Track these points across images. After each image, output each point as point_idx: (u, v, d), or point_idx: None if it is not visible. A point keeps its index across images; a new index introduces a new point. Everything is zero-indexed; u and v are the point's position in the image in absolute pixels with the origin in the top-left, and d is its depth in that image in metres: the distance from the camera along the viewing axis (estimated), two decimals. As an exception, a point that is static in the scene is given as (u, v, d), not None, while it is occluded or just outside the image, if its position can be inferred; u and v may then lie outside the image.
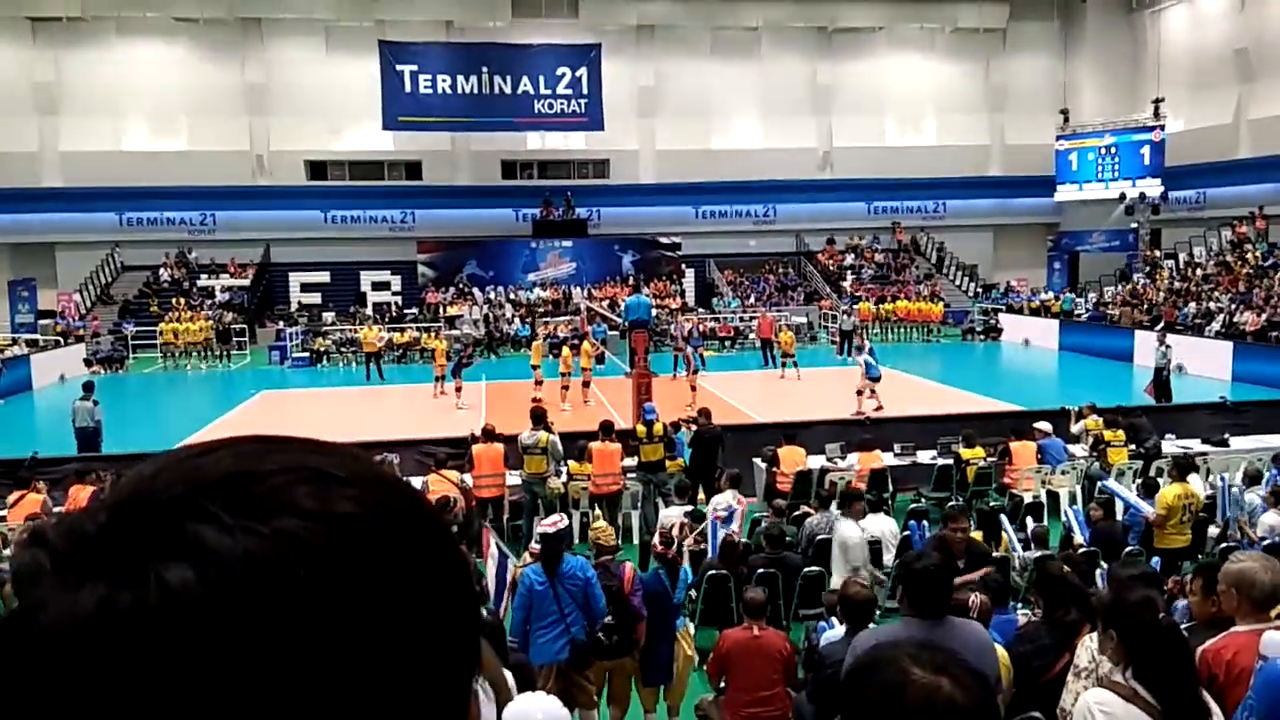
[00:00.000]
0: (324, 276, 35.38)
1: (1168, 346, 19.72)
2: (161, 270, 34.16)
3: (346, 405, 22.22)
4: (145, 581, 0.48)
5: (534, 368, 20.84)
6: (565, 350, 21.27)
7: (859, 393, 17.96)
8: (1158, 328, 25.83)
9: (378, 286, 35.60)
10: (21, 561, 0.52)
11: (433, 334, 27.76)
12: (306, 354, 29.15)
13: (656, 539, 7.09)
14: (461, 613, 0.58)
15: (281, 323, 32.03)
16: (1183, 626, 4.63)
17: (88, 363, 27.18)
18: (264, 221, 35.00)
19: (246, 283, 34.15)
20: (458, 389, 20.81)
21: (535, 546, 6.76)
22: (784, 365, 23.21)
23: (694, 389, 19.33)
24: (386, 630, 0.52)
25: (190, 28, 34.53)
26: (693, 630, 8.05)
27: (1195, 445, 12.84)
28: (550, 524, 6.35)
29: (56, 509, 10.56)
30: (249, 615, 0.48)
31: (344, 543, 0.52)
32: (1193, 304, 26.91)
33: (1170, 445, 12.90)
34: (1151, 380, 18.95)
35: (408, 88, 34.06)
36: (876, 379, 18.07)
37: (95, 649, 0.47)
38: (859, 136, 38.09)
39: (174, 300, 31.96)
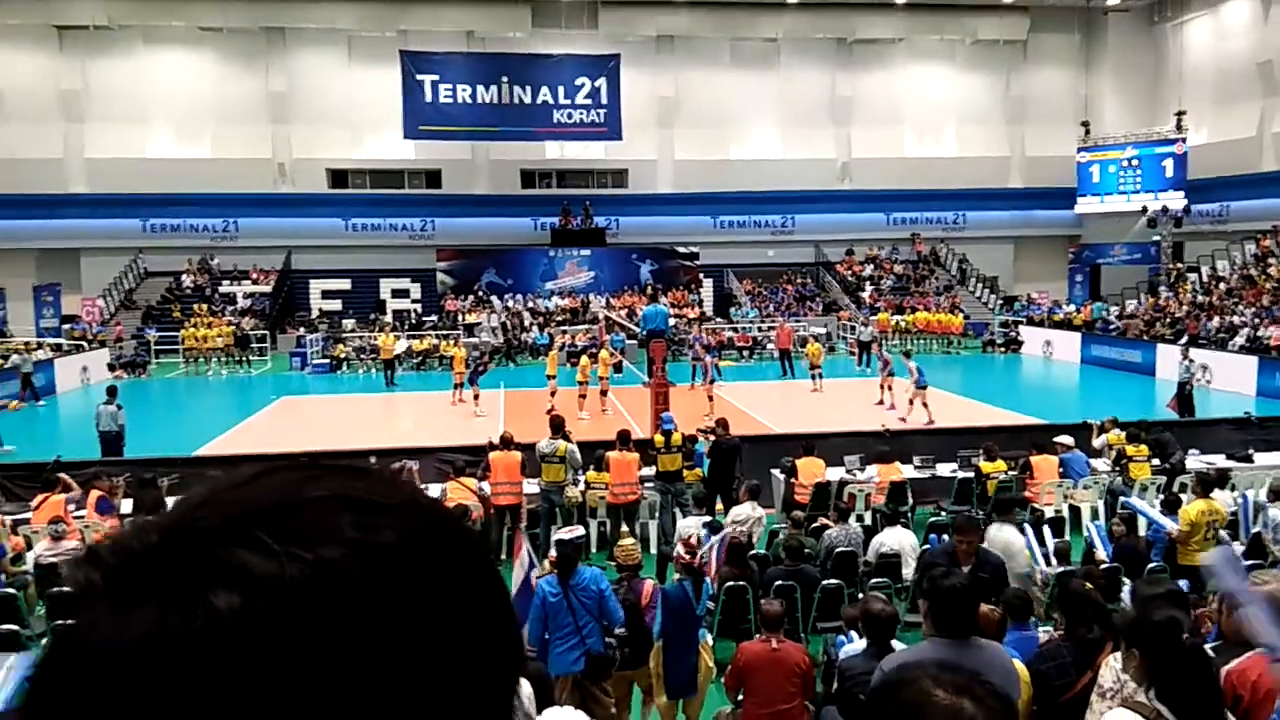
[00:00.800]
0: (345, 284, 35.63)
1: (1191, 360, 19.57)
2: (184, 276, 34.48)
3: (366, 411, 22.34)
4: (193, 607, 0.49)
5: (549, 377, 20.86)
6: (584, 359, 21.34)
7: (910, 401, 18.54)
8: (1181, 341, 25.64)
9: (397, 294, 35.82)
10: (76, 579, 0.53)
11: (452, 341, 27.89)
12: (326, 360, 29.34)
13: (681, 549, 7.07)
14: (501, 637, 0.59)
15: (302, 329, 32.25)
16: (1209, 645, 4.59)
17: (111, 367, 27.46)
18: (285, 229, 35.32)
19: (268, 289, 34.44)
20: (475, 396, 20.90)
21: (554, 555, 6.77)
22: (814, 377, 23.02)
23: (711, 399, 19.32)
24: (428, 656, 0.53)
25: (215, 37, 34.93)
26: (711, 642, 8.05)
27: (1219, 461, 12.71)
28: (568, 532, 6.36)
29: (79, 513, 10.69)
30: (293, 642, 0.49)
31: (386, 571, 0.53)
32: (1216, 318, 26.66)
33: (1194, 461, 12.79)
34: (1175, 395, 18.79)
35: (428, 97, 34.30)
36: (924, 387, 18.55)
37: (145, 673, 0.48)
38: (878, 147, 38.02)
39: (196, 306, 32.25)
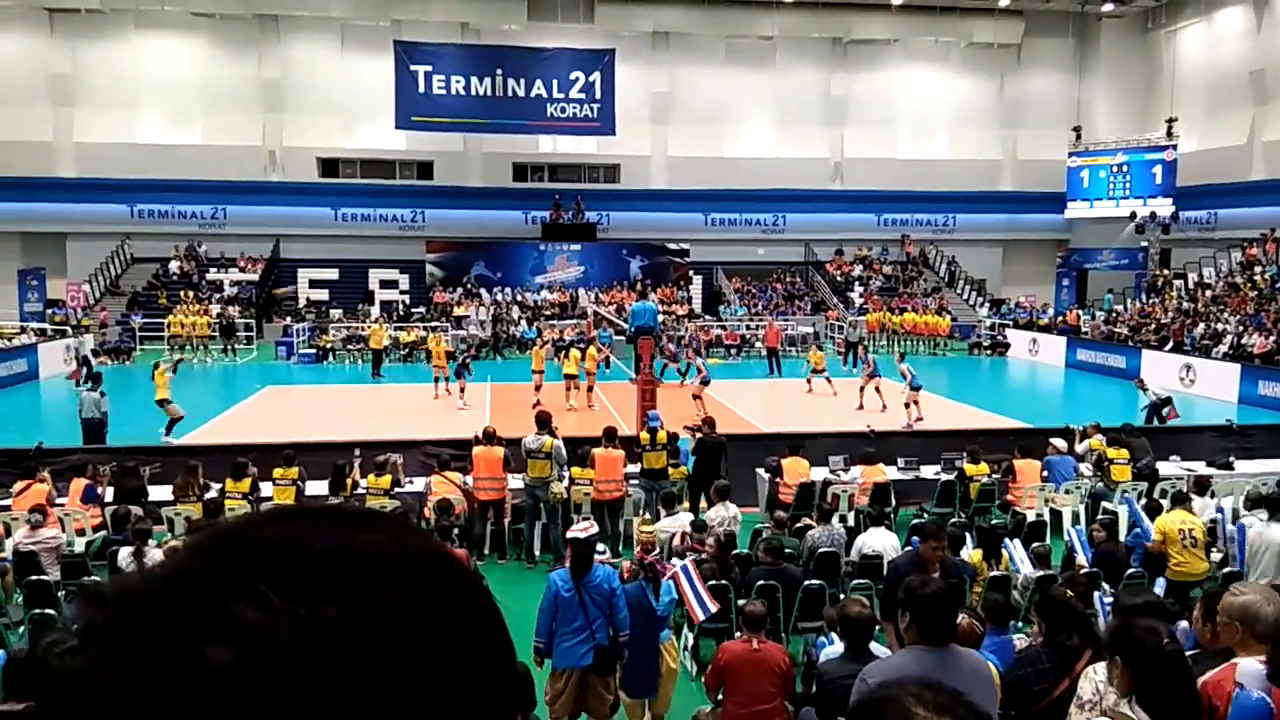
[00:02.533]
0: (333, 273, 35.49)
1: (1147, 390, 19.26)
2: (171, 263, 34.28)
3: (351, 403, 22.26)
4: (189, 659, 0.50)
5: (536, 372, 20.79)
6: (574, 351, 21.39)
7: (906, 405, 18.49)
8: (1166, 347, 25.80)
9: (386, 285, 35.70)
10: (79, 617, 0.55)
11: (434, 334, 27.73)
12: (313, 350, 29.22)
13: (639, 549, 7.09)
14: (498, 690, 0.60)
15: (289, 318, 32.10)
16: (1192, 654, 4.61)
17: (95, 353, 27.25)
18: (274, 217, 35.18)
19: (255, 277, 34.27)
20: (461, 390, 20.84)
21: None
22: (810, 379, 22.60)
23: (698, 398, 19.29)
24: (423, 714, 0.54)
25: (208, 23, 34.71)
26: (691, 641, 8.05)
27: (1199, 468, 12.79)
28: (582, 529, 6.34)
29: (60, 500, 10.62)
30: (285, 699, 0.50)
31: (384, 631, 0.54)
32: (1201, 325, 26.82)
33: (1174, 467, 12.86)
34: (1157, 410, 18.72)
35: (421, 88, 34.16)
36: (919, 389, 18.59)
37: None
38: (871, 148, 38.09)
39: (182, 293, 32.07)
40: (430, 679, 0.55)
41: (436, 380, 21.62)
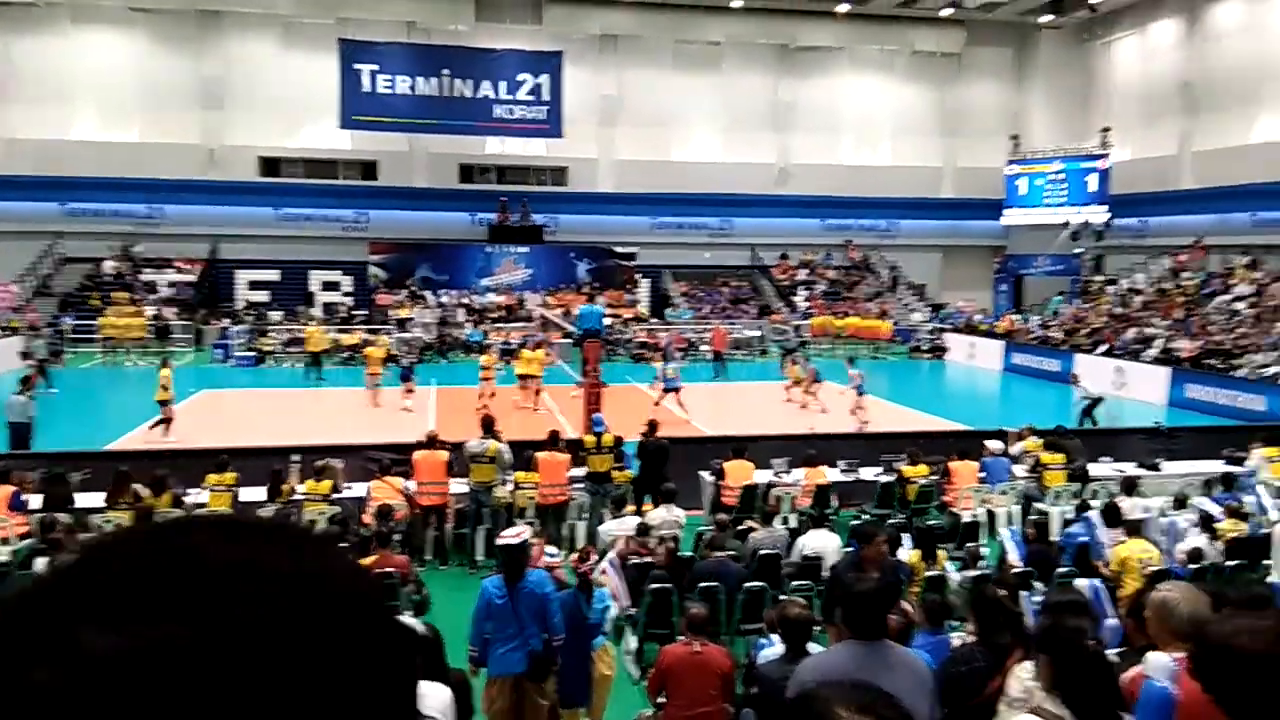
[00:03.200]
0: (273, 275, 34.84)
1: (1080, 386, 19.87)
2: (105, 263, 33.37)
3: (290, 407, 21.87)
4: (14, 680, 0.49)
5: (484, 379, 20.40)
6: (524, 352, 21.29)
7: (852, 411, 18.68)
8: (1099, 351, 26.50)
9: (328, 286, 35.14)
10: None
11: (375, 340, 27.28)
12: (252, 353, 28.66)
13: (574, 556, 7.07)
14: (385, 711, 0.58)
15: (227, 320, 31.45)
16: (1114, 651, 4.74)
17: (24, 355, 26.42)
18: (213, 217, 34.40)
19: (193, 278, 33.51)
20: (409, 391, 20.66)
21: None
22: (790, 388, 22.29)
23: (658, 404, 19.35)
24: None
25: (146, 18, 33.91)
26: (634, 645, 8.06)
27: (1129, 469, 13.13)
28: (513, 535, 6.28)
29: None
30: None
31: (234, 652, 0.51)
32: (1132, 329, 27.59)
33: (1105, 468, 13.20)
34: (1093, 410, 19.25)
35: (366, 87, 33.76)
36: (863, 394, 18.96)
37: None
38: (816, 154, 38.55)
39: (116, 294, 31.24)
40: (283, 705, 0.51)
41: (373, 389, 20.91)
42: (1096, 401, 19.07)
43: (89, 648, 0.49)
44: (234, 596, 0.53)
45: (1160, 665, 3.36)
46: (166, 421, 16.72)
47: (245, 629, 0.52)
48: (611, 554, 7.38)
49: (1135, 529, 8.28)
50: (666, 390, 19.86)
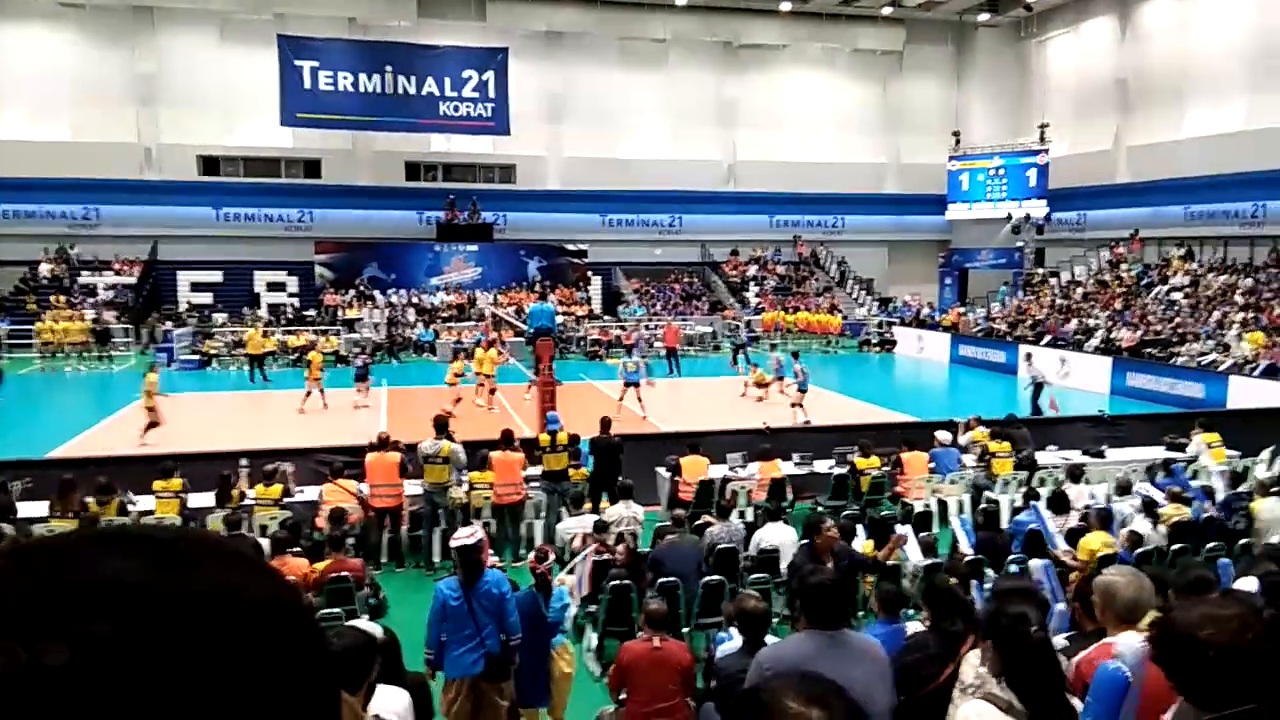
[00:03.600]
0: (216, 276, 34.15)
1: (1031, 365, 20.46)
2: (40, 266, 32.43)
3: (237, 411, 21.48)
4: None
5: (451, 383, 20.14)
6: (479, 352, 21.15)
7: (793, 405, 18.78)
8: (1043, 342, 27.08)
9: (273, 287, 34.55)
10: None
11: (315, 345, 26.86)
12: (196, 356, 28.08)
13: (532, 555, 7.06)
14: None
15: (169, 323, 30.76)
16: (1064, 635, 4.87)
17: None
18: (152, 217, 33.61)
19: (132, 281, 32.72)
20: (365, 389, 20.68)
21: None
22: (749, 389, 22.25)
23: (621, 399, 19.41)
24: None
25: (77, 12, 32.98)
26: (595, 643, 8.07)
27: (1075, 456, 13.46)
28: (467, 535, 6.23)
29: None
30: None
31: (112, 676, 0.49)
32: (1074, 320, 28.25)
33: (1051, 456, 13.50)
34: (1039, 396, 19.67)
35: (308, 84, 33.22)
36: (804, 391, 19.03)
37: None
38: (762, 151, 38.81)
39: (53, 297, 30.38)
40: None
41: (308, 394, 20.31)
42: (1040, 387, 19.51)
43: None
44: (91, 613, 0.51)
45: (1130, 648, 3.45)
46: (153, 425, 16.64)
47: (130, 654, 0.50)
48: (589, 549, 7.39)
49: (1104, 520, 8.44)
50: (627, 385, 19.83)
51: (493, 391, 20.45)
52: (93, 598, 0.51)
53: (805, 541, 9.05)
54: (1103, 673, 3.44)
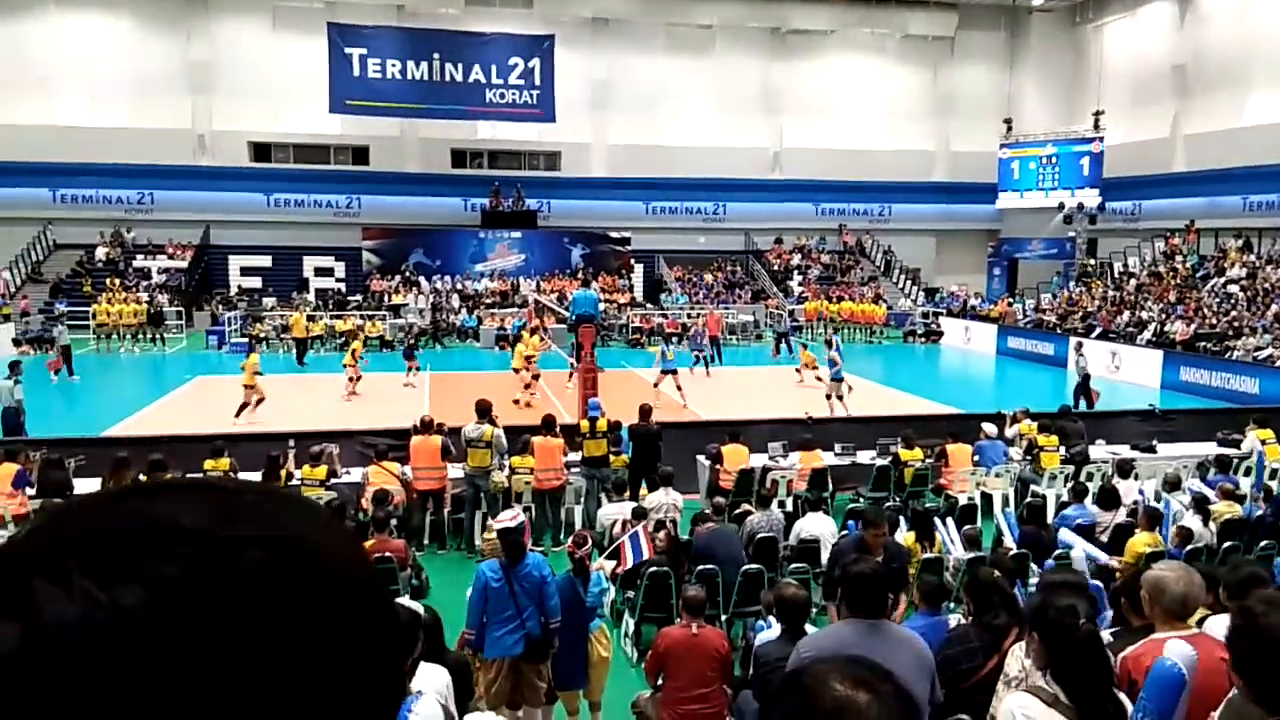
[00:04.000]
0: (265, 260, 34.73)
1: (1082, 355, 20.06)
2: (96, 249, 33.21)
3: (285, 393, 21.80)
4: None
5: (516, 370, 20.05)
6: (527, 337, 21.21)
7: (828, 397, 18.15)
8: (1094, 334, 26.57)
9: (321, 272, 35.06)
10: None
11: (360, 328, 27.46)
12: (245, 339, 28.57)
13: (571, 540, 7.09)
14: (361, 687, 0.55)
15: (220, 306, 31.35)
16: (1109, 630, 4.78)
17: (16, 342, 26.34)
18: (204, 202, 34.28)
19: (184, 265, 33.38)
20: (414, 369, 21.15)
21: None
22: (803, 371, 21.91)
23: (657, 385, 19.25)
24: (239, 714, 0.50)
25: (132, 1, 33.60)
26: (632, 628, 8.10)
27: (1124, 451, 13.20)
28: (510, 518, 6.29)
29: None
30: (66, 688, 0.47)
31: (190, 621, 0.49)
32: (1126, 313, 27.67)
33: (1100, 450, 13.26)
34: (1082, 387, 19.33)
35: (356, 71, 33.55)
36: (840, 380, 18.31)
37: None
38: (808, 138, 38.45)
39: (108, 280, 31.10)
40: (247, 680, 0.50)
41: (354, 381, 20.34)
42: (1087, 378, 19.14)
43: (47, 611, 0.48)
44: (187, 562, 0.51)
45: (1180, 649, 3.39)
46: (258, 402, 17.55)
47: (202, 599, 0.50)
48: (638, 527, 7.45)
49: (1152, 519, 8.26)
50: (664, 372, 19.68)
51: (536, 377, 20.42)
52: (161, 540, 0.51)
53: (848, 530, 9.00)
54: (1159, 669, 3.37)
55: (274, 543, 0.54)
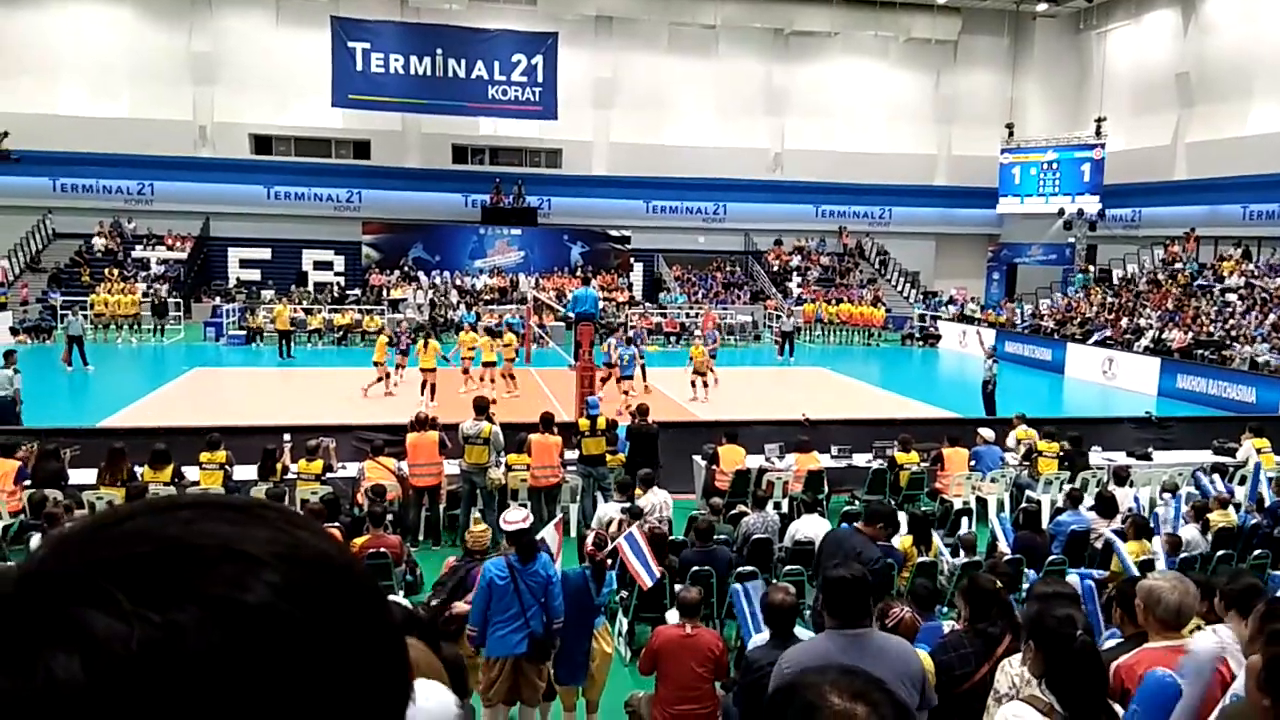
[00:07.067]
0: (265, 253, 34.70)
1: (994, 361, 19.94)
2: (95, 239, 33.16)
3: (282, 385, 21.81)
4: (33, 671, 0.47)
5: (466, 357, 20.39)
6: (508, 335, 21.28)
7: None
8: (1090, 340, 26.58)
9: (320, 266, 35.03)
10: None
11: (380, 322, 27.43)
12: (243, 331, 28.55)
13: (591, 540, 7.08)
14: (383, 697, 0.57)
15: (218, 298, 31.32)
16: (1108, 639, 4.77)
17: (14, 331, 26.30)
18: (204, 194, 34.24)
19: (183, 256, 33.34)
20: (400, 366, 20.68)
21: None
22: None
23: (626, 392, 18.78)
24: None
25: (134, -9, 33.58)
26: (625, 627, 8.10)
27: (1119, 458, 13.21)
28: (520, 519, 6.28)
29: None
30: (133, 712, 0.47)
31: (246, 635, 0.50)
32: (1125, 319, 27.67)
33: (1096, 457, 13.26)
34: (982, 393, 19.21)
35: (359, 65, 33.50)
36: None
37: None
38: (810, 140, 38.45)
39: (107, 270, 31.05)
40: (299, 687, 0.51)
41: (379, 379, 19.73)
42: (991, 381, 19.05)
43: (106, 635, 0.48)
44: (231, 579, 0.52)
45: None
46: (385, 378, 19.31)
47: (255, 613, 0.51)
48: (631, 529, 7.41)
49: (1140, 529, 8.26)
50: (613, 371, 18.86)
51: (511, 376, 20.18)
52: (204, 562, 0.52)
53: (844, 526, 8.98)
54: (1152, 680, 3.37)
55: (310, 555, 0.57)
